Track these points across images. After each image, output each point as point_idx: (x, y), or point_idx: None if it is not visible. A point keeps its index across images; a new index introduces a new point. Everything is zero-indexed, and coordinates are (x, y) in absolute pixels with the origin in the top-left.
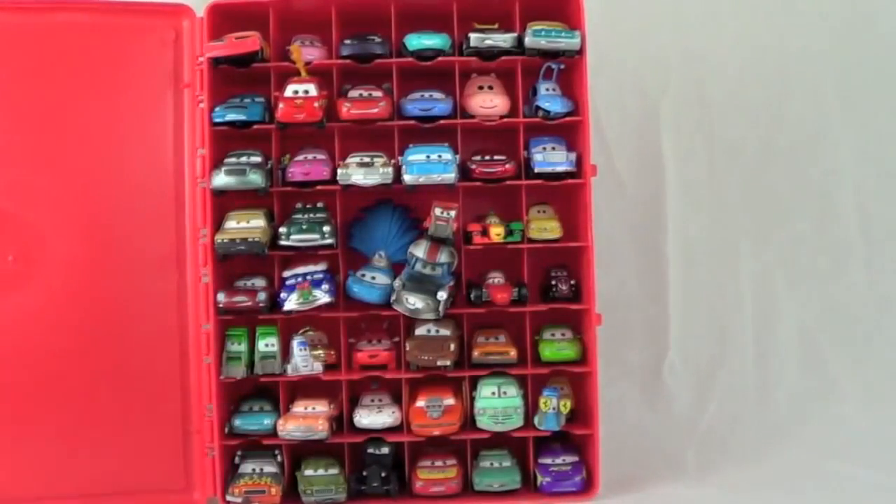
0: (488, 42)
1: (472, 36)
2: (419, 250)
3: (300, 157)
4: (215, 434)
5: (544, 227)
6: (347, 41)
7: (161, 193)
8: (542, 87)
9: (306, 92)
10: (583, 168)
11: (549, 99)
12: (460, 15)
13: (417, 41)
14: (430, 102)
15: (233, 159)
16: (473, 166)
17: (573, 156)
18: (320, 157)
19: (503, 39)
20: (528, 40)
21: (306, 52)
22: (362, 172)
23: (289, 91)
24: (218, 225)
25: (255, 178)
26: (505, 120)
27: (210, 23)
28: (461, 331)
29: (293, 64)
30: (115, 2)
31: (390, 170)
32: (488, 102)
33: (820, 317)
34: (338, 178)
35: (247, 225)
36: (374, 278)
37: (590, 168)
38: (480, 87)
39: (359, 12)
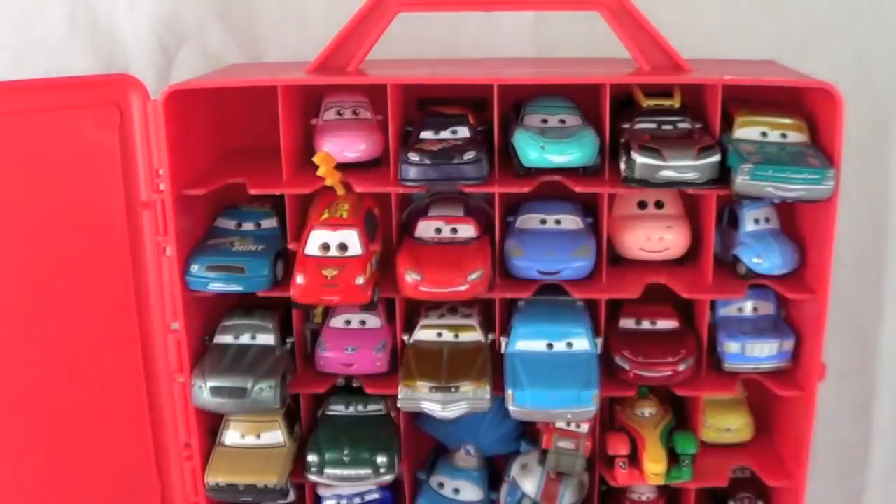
0: (667, 175)
1: (640, 161)
2: (529, 483)
3: (338, 321)
4: None
5: (727, 424)
6: (414, 156)
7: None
8: (747, 217)
9: (343, 248)
10: (803, 372)
11: (759, 245)
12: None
13: (537, 152)
14: (557, 256)
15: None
16: (625, 366)
17: (789, 345)
18: (373, 324)
19: (693, 169)
20: (741, 181)
21: (344, 141)
22: (439, 401)
23: (313, 246)
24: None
25: (266, 397)
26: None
27: (168, 111)
28: None
29: (324, 177)
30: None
31: (487, 390)
32: (655, 242)
33: None
34: (399, 400)
35: (255, 442)
36: (457, 491)
37: (817, 371)
38: (642, 205)
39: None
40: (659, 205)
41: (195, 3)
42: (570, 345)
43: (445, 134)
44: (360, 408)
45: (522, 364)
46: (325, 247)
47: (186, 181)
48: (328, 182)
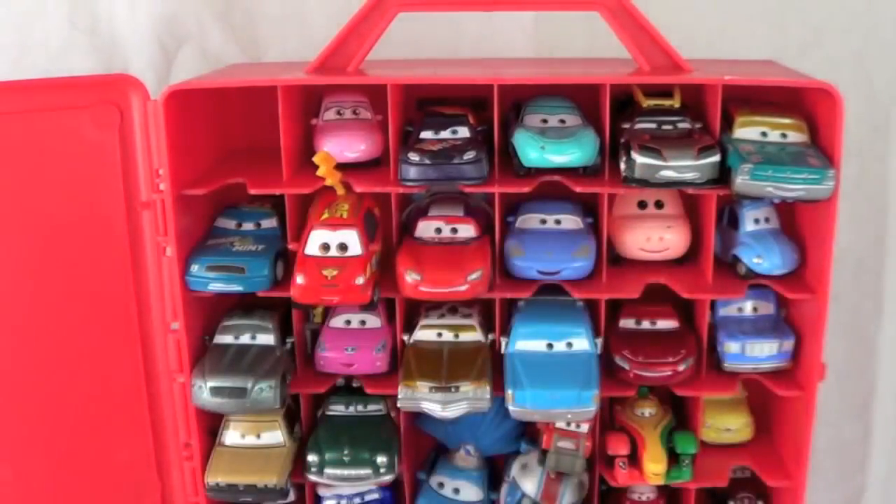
0: (667, 175)
1: (640, 161)
2: (529, 483)
3: (338, 321)
4: None
5: (727, 424)
6: (413, 156)
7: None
8: (747, 217)
9: (343, 248)
10: (803, 372)
11: (759, 245)
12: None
13: (537, 152)
14: (557, 256)
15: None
16: (625, 366)
17: (789, 345)
18: (373, 324)
19: (693, 169)
20: (741, 181)
21: (344, 141)
22: (439, 401)
23: (313, 245)
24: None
25: (266, 397)
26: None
27: (168, 111)
28: None
29: (324, 177)
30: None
31: (487, 390)
32: (655, 242)
33: None
34: (399, 400)
35: (255, 442)
36: (457, 491)
37: (817, 371)
38: (642, 205)
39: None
40: (659, 205)
41: (195, 4)
42: (570, 345)
43: (445, 134)
44: (360, 408)
45: (522, 364)
46: (325, 247)
47: (186, 181)
48: (328, 182)
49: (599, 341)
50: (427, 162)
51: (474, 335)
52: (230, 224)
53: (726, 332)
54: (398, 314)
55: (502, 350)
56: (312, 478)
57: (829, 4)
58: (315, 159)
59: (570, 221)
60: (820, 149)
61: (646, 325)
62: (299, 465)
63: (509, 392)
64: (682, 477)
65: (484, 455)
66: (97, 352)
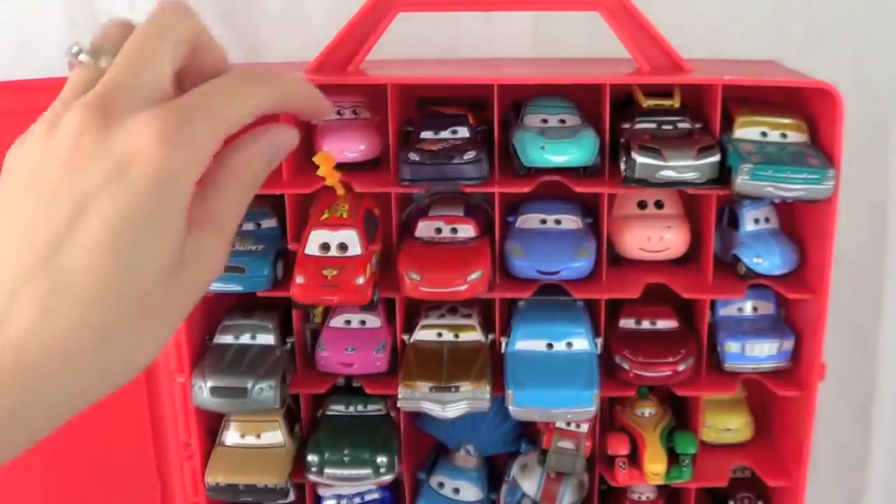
0: (667, 175)
1: (640, 161)
2: (529, 483)
3: (338, 321)
4: None
5: (727, 424)
6: (413, 156)
7: None
8: (747, 217)
9: (343, 248)
10: (803, 372)
11: (759, 245)
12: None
13: (537, 152)
14: (557, 256)
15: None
16: (625, 366)
17: (789, 345)
18: (373, 324)
19: (693, 169)
20: (741, 181)
21: (344, 141)
22: (439, 401)
23: (312, 245)
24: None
25: (266, 397)
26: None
27: None
28: None
29: (324, 177)
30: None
31: (487, 390)
32: (655, 242)
33: None
34: (399, 400)
35: (255, 442)
36: (457, 491)
37: (817, 371)
38: (642, 205)
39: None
40: (659, 205)
41: (195, 3)
42: (570, 345)
43: (445, 134)
44: (360, 408)
45: (522, 364)
46: (325, 247)
47: None
48: (328, 182)
49: (599, 341)
50: (427, 162)
51: (474, 335)
52: None
53: (726, 332)
54: (398, 314)
55: (502, 350)
56: (312, 478)
57: (829, 4)
58: (315, 159)
59: (570, 221)
60: (820, 149)
61: (646, 325)
62: (299, 465)
63: (509, 392)
64: (682, 477)
65: (484, 455)
66: None
